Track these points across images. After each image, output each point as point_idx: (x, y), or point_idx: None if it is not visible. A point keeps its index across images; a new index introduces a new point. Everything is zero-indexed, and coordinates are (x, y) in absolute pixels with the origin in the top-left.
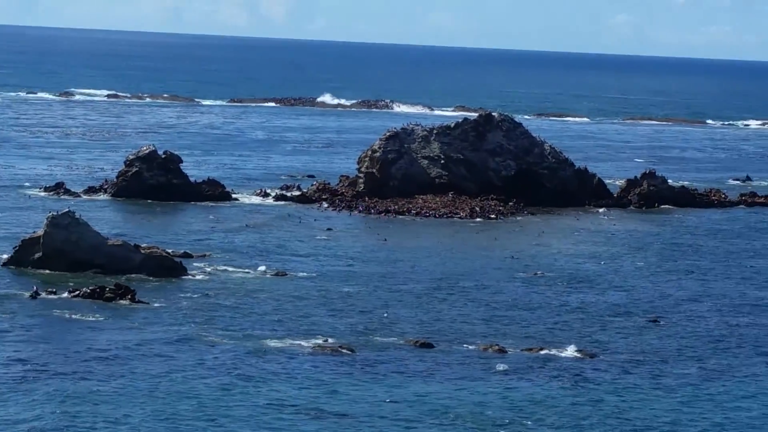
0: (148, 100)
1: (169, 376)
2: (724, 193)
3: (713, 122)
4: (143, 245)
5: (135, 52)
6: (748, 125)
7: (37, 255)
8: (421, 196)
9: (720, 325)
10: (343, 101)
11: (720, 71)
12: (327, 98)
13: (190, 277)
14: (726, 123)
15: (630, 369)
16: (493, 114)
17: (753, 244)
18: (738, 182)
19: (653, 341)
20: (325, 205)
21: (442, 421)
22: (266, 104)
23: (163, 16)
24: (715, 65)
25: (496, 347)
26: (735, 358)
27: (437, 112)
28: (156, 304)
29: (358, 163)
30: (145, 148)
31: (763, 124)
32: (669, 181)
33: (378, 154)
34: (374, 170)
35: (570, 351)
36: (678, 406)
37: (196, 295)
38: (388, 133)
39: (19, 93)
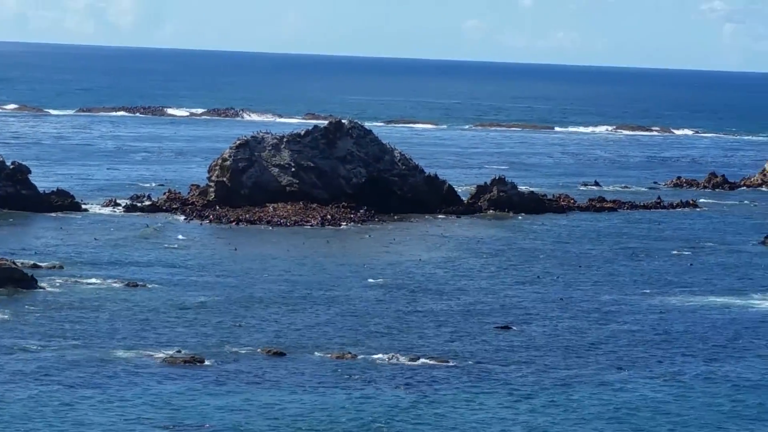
0: None
1: (10, 385)
2: (573, 199)
3: (562, 128)
4: None
5: None
6: (596, 130)
7: None
8: (272, 205)
9: (571, 331)
10: (192, 110)
11: (569, 77)
12: (177, 107)
13: (39, 288)
14: (575, 128)
15: (481, 375)
16: (343, 121)
17: (601, 248)
18: (587, 187)
19: (504, 347)
20: (177, 214)
21: (295, 431)
22: (116, 113)
23: (6, 24)
24: (565, 70)
25: (349, 355)
26: (586, 364)
27: (287, 120)
28: (3, 316)
29: (209, 172)
30: None
31: (615, 130)
32: (519, 186)
33: (228, 162)
34: (225, 179)
35: (422, 358)
36: (529, 412)
37: (44, 307)
38: (238, 142)
39: None
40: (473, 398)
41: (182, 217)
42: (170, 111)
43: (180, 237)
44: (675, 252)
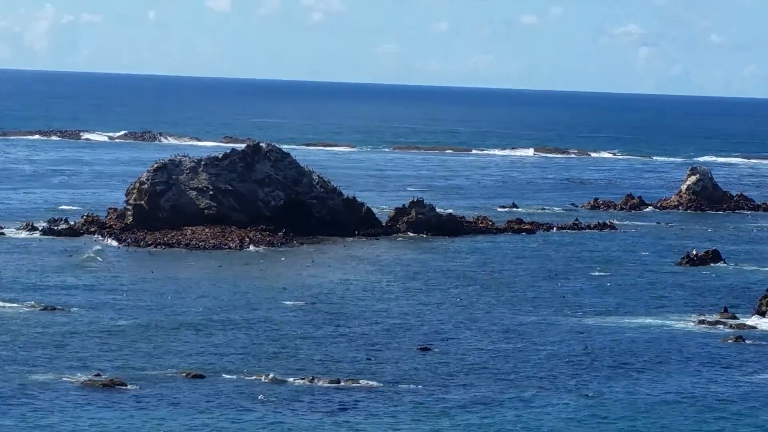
0: None
1: None
2: (491, 221)
3: (480, 150)
4: None
5: None
6: (514, 153)
7: None
8: (191, 228)
9: (491, 352)
10: (110, 133)
11: (485, 100)
12: (93, 131)
13: None
14: (492, 151)
15: (400, 397)
16: (261, 144)
17: (520, 269)
18: (505, 209)
19: (425, 368)
20: (94, 237)
21: None
22: (31, 137)
23: None
24: (480, 93)
25: (269, 377)
26: (505, 384)
27: (205, 143)
28: None
29: (126, 195)
30: None
31: (532, 152)
32: (437, 209)
33: (146, 185)
34: (142, 202)
35: (339, 380)
36: None
37: None
38: (155, 165)
39: None
40: (392, 419)
41: (100, 240)
42: (87, 134)
43: (98, 259)
44: (593, 273)
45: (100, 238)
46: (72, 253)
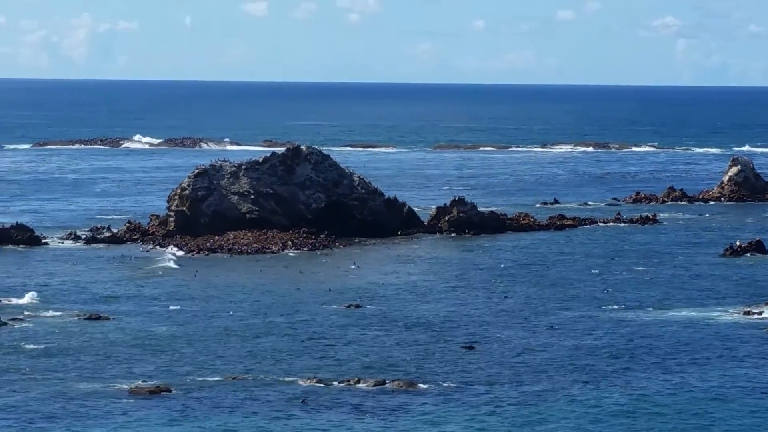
0: None
1: None
2: (533, 217)
3: (520, 147)
4: None
5: None
6: (554, 149)
7: None
8: (233, 232)
9: (534, 347)
10: (150, 140)
11: (524, 97)
12: (134, 138)
13: (1, 323)
14: (533, 147)
15: (447, 397)
16: (301, 147)
17: (563, 265)
18: (547, 205)
19: (470, 367)
20: (138, 245)
21: None
22: (72, 146)
23: None
24: (518, 90)
25: (314, 380)
26: (551, 380)
27: (245, 148)
28: None
29: (168, 202)
30: None
31: (572, 147)
32: (478, 207)
33: (187, 191)
34: (184, 208)
35: (385, 381)
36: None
37: (7, 342)
38: (196, 171)
39: None
40: (440, 419)
41: (143, 248)
42: (127, 142)
43: (141, 267)
44: (636, 267)
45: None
46: (123, 261)
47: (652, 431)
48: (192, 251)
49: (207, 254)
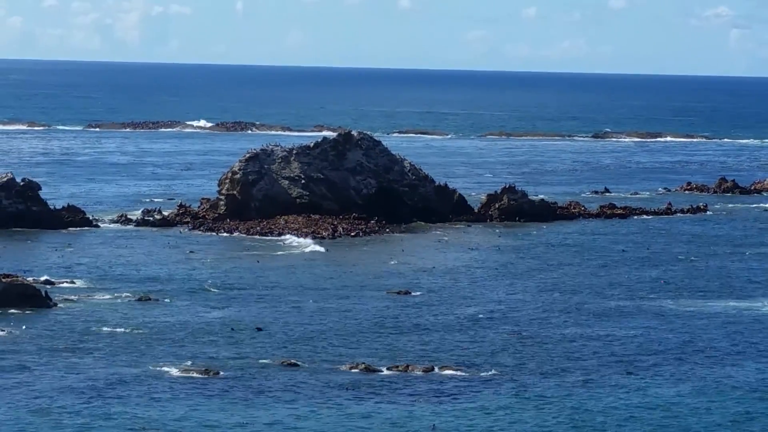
0: (3, 128)
1: (32, 396)
2: (583, 206)
3: (571, 136)
4: (3, 274)
5: None
6: (605, 138)
7: None
8: (283, 217)
9: (584, 337)
10: (201, 124)
11: (576, 85)
12: (185, 121)
13: (52, 304)
14: (584, 136)
15: (495, 385)
16: (353, 133)
17: (612, 254)
18: (597, 194)
19: (518, 355)
20: (187, 228)
21: None
22: (124, 129)
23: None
24: (571, 79)
25: (363, 366)
26: (596, 370)
27: (296, 133)
28: (17, 332)
29: (219, 185)
30: (2, 176)
31: (623, 136)
32: (529, 195)
33: (238, 175)
34: (235, 192)
35: (436, 368)
36: (544, 420)
37: (57, 323)
38: (247, 155)
39: None
40: (490, 406)
41: (194, 231)
42: (178, 126)
43: (191, 251)
44: (686, 257)
45: (190, 229)
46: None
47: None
48: (243, 234)
49: (259, 237)
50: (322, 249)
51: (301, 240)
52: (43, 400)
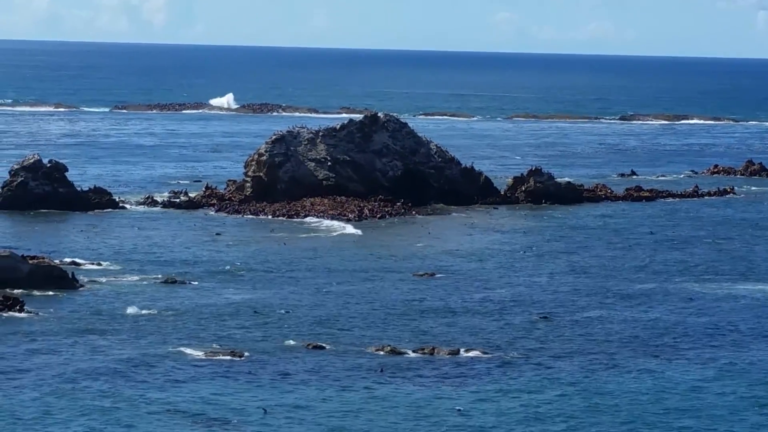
0: (29, 109)
1: (57, 377)
2: (610, 189)
3: (597, 118)
4: (30, 255)
5: (12, 61)
6: (632, 120)
7: None
8: (309, 199)
9: (610, 319)
10: (227, 105)
11: (602, 67)
12: (211, 103)
13: (79, 286)
14: (610, 118)
15: (521, 368)
16: (379, 114)
17: (639, 237)
18: (623, 177)
19: (543, 338)
20: (213, 210)
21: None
22: (150, 111)
23: (40, 24)
24: (597, 61)
25: (389, 348)
26: (625, 355)
27: (322, 115)
28: (44, 314)
29: (245, 167)
30: (29, 157)
31: (650, 119)
32: (555, 177)
33: (264, 157)
34: (261, 174)
35: (462, 350)
36: (567, 402)
37: (85, 305)
38: (274, 137)
39: None
40: (514, 389)
41: (221, 212)
42: (205, 108)
43: (218, 233)
44: (713, 239)
45: (216, 210)
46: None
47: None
48: (269, 215)
49: (287, 219)
50: (358, 231)
51: (334, 223)
52: (69, 382)
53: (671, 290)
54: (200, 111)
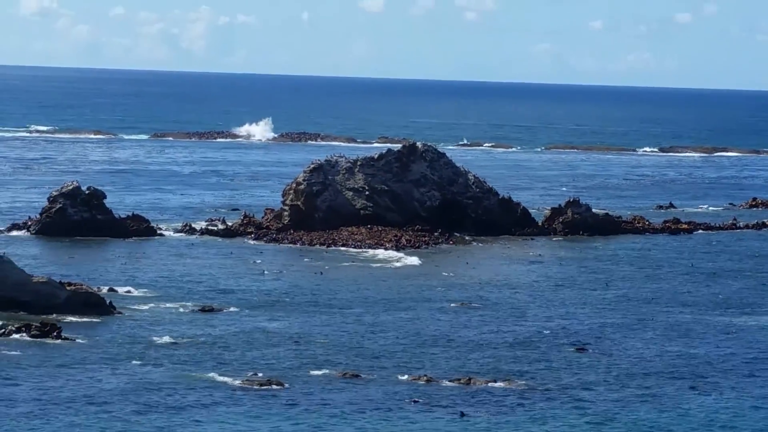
0: (68, 136)
1: (92, 404)
2: (648, 220)
3: (636, 150)
4: (68, 282)
5: (53, 88)
6: (670, 152)
7: None
8: (347, 228)
9: (646, 352)
10: (266, 134)
11: (641, 98)
12: (250, 131)
13: (116, 312)
14: (649, 150)
15: (555, 398)
16: (417, 144)
17: (678, 269)
18: (662, 209)
19: (579, 370)
20: (251, 238)
21: None
22: (189, 138)
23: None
24: (636, 92)
25: (425, 378)
26: (662, 387)
27: (361, 144)
28: (81, 341)
29: (283, 196)
30: (68, 184)
31: (689, 151)
32: (593, 208)
33: (302, 186)
34: (299, 203)
35: (497, 381)
36: None
37: (122, 332)
38: (312, 165)
39: None
40: (549, 419)
41: (257, 241)
42: (243, 136)
43: (255, 261)
44: (751, 272)
45: (254, 239)
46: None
47: None
48: (306, 245)
49: (326, 248)
50: (416, 261)
51: (390, 253)
52: (105, 409)
53: (709, 322)
54: (238, 140)
